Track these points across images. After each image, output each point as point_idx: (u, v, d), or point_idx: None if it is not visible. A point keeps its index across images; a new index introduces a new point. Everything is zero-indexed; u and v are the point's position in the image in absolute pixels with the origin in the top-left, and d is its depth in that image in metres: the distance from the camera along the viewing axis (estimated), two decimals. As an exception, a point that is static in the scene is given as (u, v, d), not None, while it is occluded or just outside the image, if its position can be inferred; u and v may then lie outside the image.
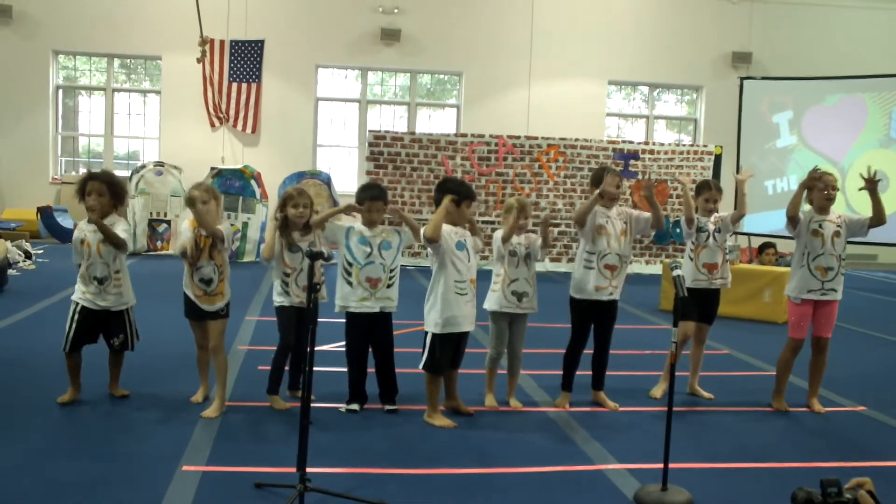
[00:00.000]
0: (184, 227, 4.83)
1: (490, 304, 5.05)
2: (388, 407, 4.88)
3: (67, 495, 3.45)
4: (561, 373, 5.21)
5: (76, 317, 4.81)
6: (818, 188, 5.22)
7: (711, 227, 5.56)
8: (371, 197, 4.89)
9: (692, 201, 5.57)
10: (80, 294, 4.82)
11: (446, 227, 4.69)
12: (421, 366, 4.68)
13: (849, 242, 5.35)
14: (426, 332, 4.70)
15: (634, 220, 5.18)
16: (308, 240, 4.90)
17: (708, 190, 5.62)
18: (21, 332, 6.78)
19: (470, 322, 4.73)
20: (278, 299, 4.87)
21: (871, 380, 6.39)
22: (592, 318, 5.14)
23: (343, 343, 5.02)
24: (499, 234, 5.06)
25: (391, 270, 4.85)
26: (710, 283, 5.50)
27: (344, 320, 4.92)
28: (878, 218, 5.10)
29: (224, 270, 4.78)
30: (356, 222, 4.93)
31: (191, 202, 4.62)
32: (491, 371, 5.15)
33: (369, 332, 4.85)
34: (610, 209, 5.12)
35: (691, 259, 5.55)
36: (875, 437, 4.88)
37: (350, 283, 4.79)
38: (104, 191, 4.68)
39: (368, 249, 4.81)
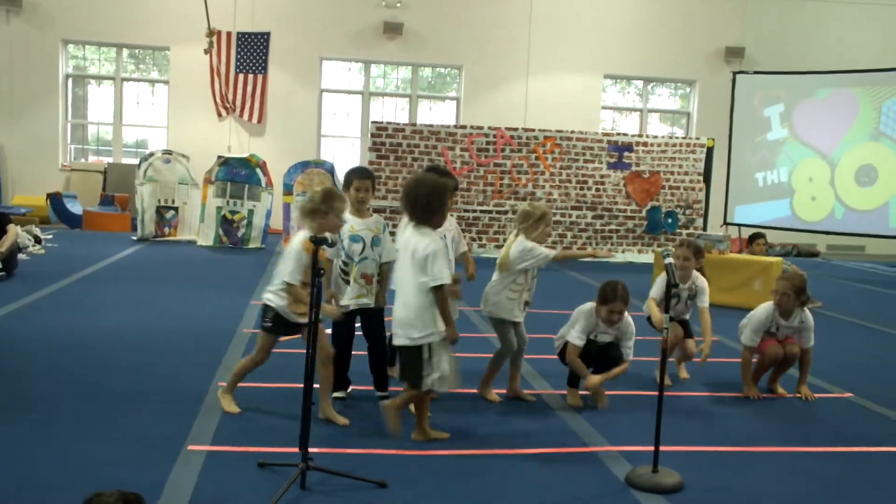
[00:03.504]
0: (298, 260, 4.31)
1: (504, 313, 4.96)
2: (380, 394, 4.88)
3: (74, 475, 3.52)
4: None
5: None
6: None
7: (685, 293, 5.64)
8: (360, 176, 4.89)
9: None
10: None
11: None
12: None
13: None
14: None
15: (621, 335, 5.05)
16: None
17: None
18: (30, 316, 6.82)
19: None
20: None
21: (858, 367, 6.54)
22: None
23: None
24: (546, 251, 4.90)
25: (380, 266, 4.84)
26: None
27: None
28: None
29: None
30: (345, 214, 4.74)
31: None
32: (496, 368, 5.07)
33: (360, 325, 4.86)
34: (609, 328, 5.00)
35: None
36: (861, 422, 5.04)
37: (347, 282, 4.76)
38: None
39: (361, 245, 4.78)
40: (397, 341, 4.21)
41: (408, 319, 4.11)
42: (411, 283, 4.12)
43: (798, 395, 5.50)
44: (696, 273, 5.71)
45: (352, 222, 4.78)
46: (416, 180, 4.30)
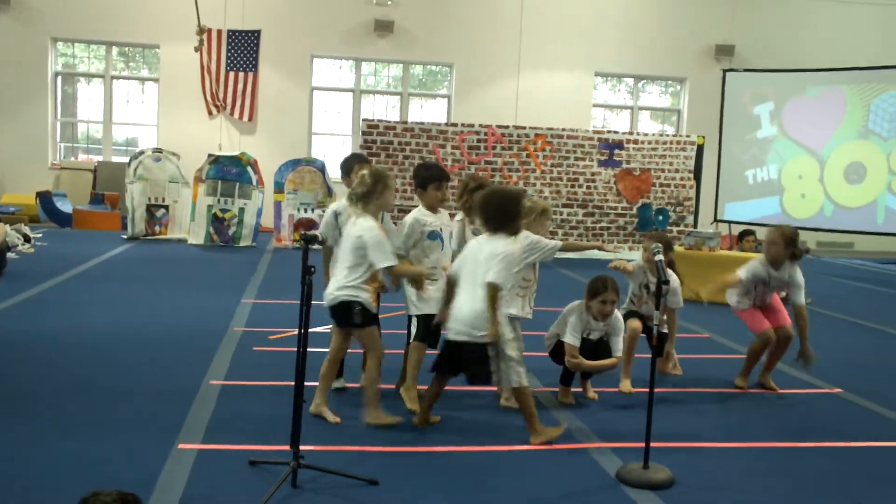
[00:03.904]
0: (384, 243, 4.34)
1: (517, 310, 4.81)
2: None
3: (66, 474, 3.53)
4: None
5: None
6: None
7: (653, 287, 5.52)
8: (360, 161, 5.07)
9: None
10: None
11: (419, 218, 4.81)
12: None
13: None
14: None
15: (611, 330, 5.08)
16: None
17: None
18: (20, 315, 6.81)
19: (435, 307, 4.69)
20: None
21: (848, 363, 6.59)
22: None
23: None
24: (554, 242, 4.90)
25: None
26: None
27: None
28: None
29: None
30: (342, 200, 4.74)
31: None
32: None
33: None
34: (599, 322, 5.03)
35: (633, 306, 5.60)
36: (851, 418, 5.09)
37: None
38: None
39: None
40: (458, 337, 4.23)
41: (470, 319, 4.19)
42: (479, 283, 4.20)
43: (800, 361, 5.44)
44: (668, 271, 5.68)
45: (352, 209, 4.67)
46: (488, 192, 4.48)
